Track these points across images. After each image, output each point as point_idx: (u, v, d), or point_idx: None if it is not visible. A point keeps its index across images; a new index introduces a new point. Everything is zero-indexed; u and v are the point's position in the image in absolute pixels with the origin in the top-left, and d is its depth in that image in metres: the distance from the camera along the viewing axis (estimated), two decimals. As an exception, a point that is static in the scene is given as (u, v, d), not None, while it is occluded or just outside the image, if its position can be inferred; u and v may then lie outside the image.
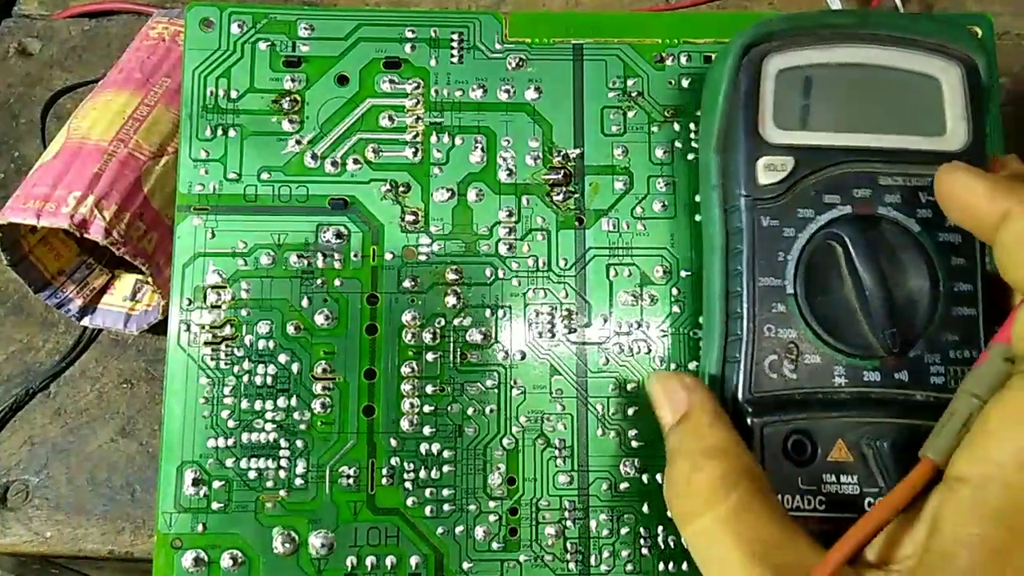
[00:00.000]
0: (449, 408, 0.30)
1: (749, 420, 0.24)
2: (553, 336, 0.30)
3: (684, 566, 0.29)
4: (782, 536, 0.18)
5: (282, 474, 0.29)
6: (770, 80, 0.28)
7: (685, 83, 0.32)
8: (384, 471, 0.29)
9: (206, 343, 0.30)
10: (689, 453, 0.20)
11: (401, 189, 0.31)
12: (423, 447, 0.29)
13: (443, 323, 0.30)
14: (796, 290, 0.26)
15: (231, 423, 0.29)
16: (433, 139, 0.31)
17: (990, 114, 0.32)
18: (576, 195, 0.31)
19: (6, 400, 0.38)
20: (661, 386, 0.22)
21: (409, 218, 0.31)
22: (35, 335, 0.40)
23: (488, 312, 0.30)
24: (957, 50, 0.27)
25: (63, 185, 0.35)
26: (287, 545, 0.29)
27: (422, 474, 0.29)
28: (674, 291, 0.31)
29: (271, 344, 0.30)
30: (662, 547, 0.29)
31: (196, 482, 0.29)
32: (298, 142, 0.31)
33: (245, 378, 0.30)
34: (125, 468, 0.37)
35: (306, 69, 0.32)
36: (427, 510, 0.29)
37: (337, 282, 0.30)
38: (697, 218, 0.31)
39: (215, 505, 0.29)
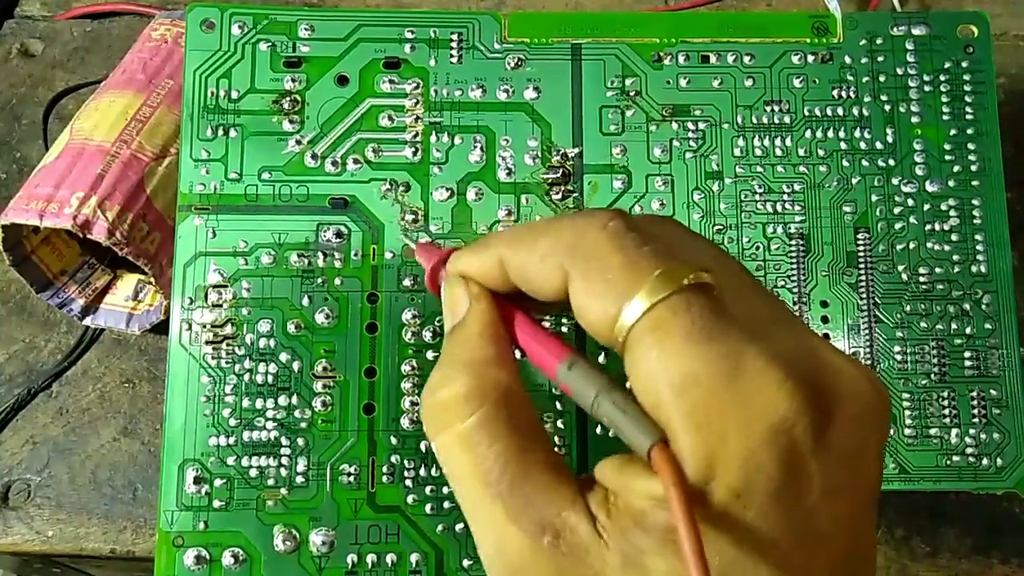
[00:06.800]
0: (449, 406, 0.30)
1: None
2: (552, 334, 0.30)
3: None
4: (518, 465, 0.17)
5: (283, 472, 0.29)
6: None
7: (683, 82, 0.32)
8: (384, 469, 0.29)
9: (207, 342, 0.30)
10: (448, 362, 0.19)
11: (401, 188, 0.31)
12: (423, 445, 0.30)
13: (443, 321, 0.30)
14: None
15: (232, 421, 0.29)
16: (432, 139, 0.32)
17: (987, 112, 0.32)
18: (575, 194, 0.31)
19: (8, 400, 0.38)
20: (449, 292, 0.21)
21: (409, 217, 0.31)
22: (37, 335, 0.40)
23: (488, 311, 0.30)
24: None
25: (66, 186, 0.35)
26: (288, 543, 0.29)
27: (422, 472, 0.29)
28: (673, 289, 0.31)
29: (272, 343, 0.30)
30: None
31: (197, 480, 0.29)
32: (298, 142, 0.31)
33: (246, 376, 0.30)
34: (127, 467, 0.37)
35: (306, 69, 0.32)
36: (427, 508, 0.29)
37: (337, 281, 0.30)
38: (696, 216, 0.32)
39: (216, 503, 0.29)
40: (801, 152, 0.32)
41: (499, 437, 0.17)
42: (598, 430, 0.30)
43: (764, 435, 0.15)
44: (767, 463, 0.15)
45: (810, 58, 0.33)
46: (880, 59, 0.33)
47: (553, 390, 0.30)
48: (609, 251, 0.17)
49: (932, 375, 0.31)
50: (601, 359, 0.30)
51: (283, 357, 0.30)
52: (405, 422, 0.30)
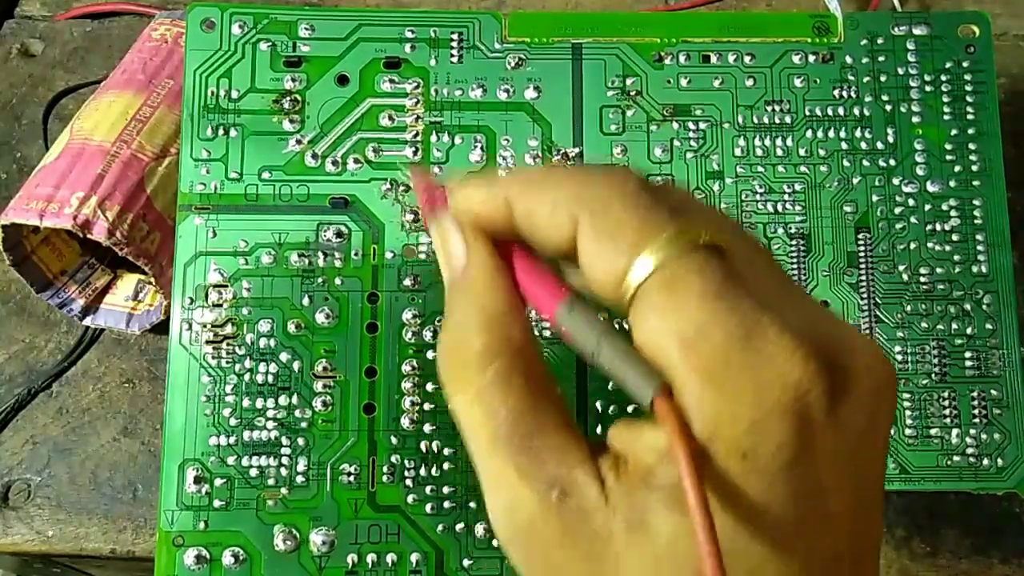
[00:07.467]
0: (449, 406, 0.30)
1: None
2: (552, 333, 0.30)
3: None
4: (531, 422, 0.17)
5: (283, 472, 0.29)
6: None
7: (684, 82, 0.32)
8: (385, 469, 0.29)
9: (207, 342, 0.30)
10: (457, 318, 0.18)
11: (401, 188, 0.31)
12: (423, 445, 0.30)
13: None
14: None
15: (232, 421, 0.29)
16: (433, 138, 0.32)
17: (988, 112, 0.32)
18: (575, 194, 0.31)
19: (8, 400, 0.38)
20: (440, 235, 0.19)
21: (409, 217, 0.31)
22: (37, 335, 0.40)
23: (488, 310, 0.30)
24: None
25: (66, 186, 0.35)
26: (288, 543, 0.29)
27: (423, 472, 0.29)
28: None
29: (272, 342, 0.30)
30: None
31: (198, 480, 0.29)
32: (299, 142, 0.31)
33: (246, 376, 0.30)
34: (127, 467, 0.37)
35: (306, 69, 0.32)
36: (428, 507, 0.29)
37: (338, 281, 0.30)
38: (696, 217, 0.32)
39: (217, 503, 0.29)
40: (802, 152, 0.32)
41: (511, 394, 0.17)
42: (598, 429, 0.30)
43: (776, 400, 0.15)
44: (777, 429, 0.15)
45: (811, 58, 0.33)
46: (881, 59, 0.33)
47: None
48: (625, 204, 0.17)
49: (933, 375, 0.31)
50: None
51: (283, 357, 0.30)
52: (405, 422, 0.30)
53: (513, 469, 0.17)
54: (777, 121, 0.32)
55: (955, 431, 0.31)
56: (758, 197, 0.32)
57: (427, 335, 0.30)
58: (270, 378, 0.30)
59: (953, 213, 0.32)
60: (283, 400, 0.30)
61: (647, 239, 0.16)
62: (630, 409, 0.30)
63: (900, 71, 0.33)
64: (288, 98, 0.32)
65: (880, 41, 0.33)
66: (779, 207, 0.32)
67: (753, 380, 0.15)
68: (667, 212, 0.16)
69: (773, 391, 0.15)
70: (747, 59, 0.33)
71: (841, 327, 0.17)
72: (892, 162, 0.32)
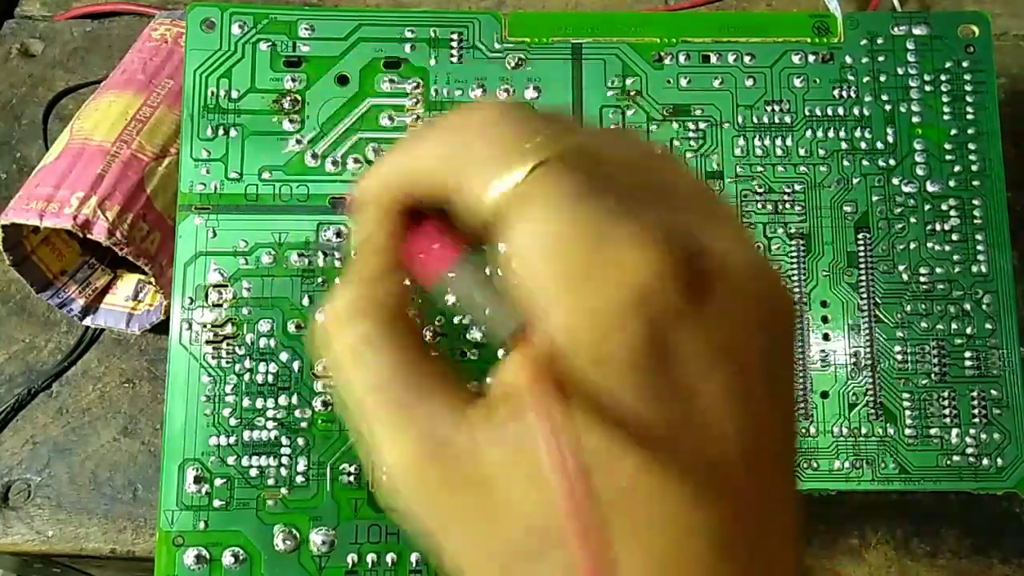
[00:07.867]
0: (449, 406, 0.30)
1: None
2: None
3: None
4: (407, 374, 0.17)
5: (283, 472, 0.29)
6: None
7: (684, 82, 0.32)
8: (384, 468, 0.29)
9: (207, 342, 0.30)
10: (342, 280, 0.19)
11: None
12: (423, 445, 0.29)
13: (443, 321, 0.30)
14: None
15: (232, 421, 0.29)
16: (433, 138, 0.32)
17: (988, 112, 0.32)
18: (575, 194, 0.31)
19: (8, 400, 0.38)
20: (355, 223, 0.19)
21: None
22: (37, 335, 0.40)
23: (488, 310, 0.30)
24: None
25: (66, 186, 0.35)
26: (288, 542, 0.29)
27: (422, 472, 0.29)
28: (673, 289, 0.31)
29: (272, 342, 0.30)
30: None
31: (198, 480, 0.29)
32: (299, 141, 0.31)
33: (246, 376, 0.30)
34: (127, 467, 0.37)
35: (306, 69, 0.32)
36: (427, 507, 0.29)
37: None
38: (696, 217, 0.32)
39: (216, 503, 0.29)
40: (802, 152, 0.32)
41: (382, 350, 0.17)
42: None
43: (625, 298, 0.14)
44: (627, 329, 0.14)
45: (811, 58, 0.33)
46: (881, 59, 0.33)
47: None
48: (485, 141, 0.16)
49: (932, 375, 0.31)
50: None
51: (283, 357, 0.30)
52: (405, 422, 0.30)
53: (391, 424, 0.17)
54: (777, 121, 0.32)
55: (955, 431, 0.31)
56: (758, 197, 0.32)
57: (426, 335, 0.30)
58: (270, 378, 0.30)
59: (953, 213, 0.32)
60: (283, 400, 0.30)
61: (512, 154, 0.16)
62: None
63: (900, 71, 0.33)
64: (288, 98, 0.32)
65: (880, 41, 0.33)
66: (779, 207, 0.32)
67: (605, 282, 0.14)
68: (527, 134, 0.16)
69: (622, 290, 0.14)
70: (747, 59, 0.33)
71: (719, 230, 0.16)
72: (892, 162, 0.32)
